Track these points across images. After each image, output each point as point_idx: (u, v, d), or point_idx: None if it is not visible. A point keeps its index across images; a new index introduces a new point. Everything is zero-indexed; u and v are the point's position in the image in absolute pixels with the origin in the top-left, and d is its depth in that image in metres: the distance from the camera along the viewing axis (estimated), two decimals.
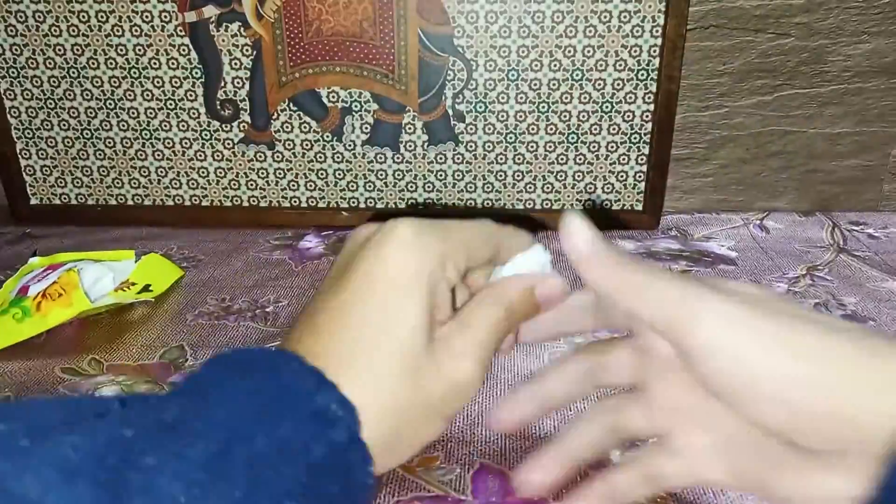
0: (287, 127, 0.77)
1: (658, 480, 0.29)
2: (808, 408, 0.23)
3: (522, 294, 0.29)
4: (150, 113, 0.77)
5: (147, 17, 0.73)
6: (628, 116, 0.75)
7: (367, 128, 0.76)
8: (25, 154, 0.79)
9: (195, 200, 0.80)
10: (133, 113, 0.77)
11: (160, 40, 0.74)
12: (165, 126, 0.77)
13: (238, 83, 0.75)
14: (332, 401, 0.24)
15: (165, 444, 0.21)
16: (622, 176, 0.77)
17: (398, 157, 0.78)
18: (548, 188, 0.78)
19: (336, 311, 0.26)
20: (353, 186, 0.79)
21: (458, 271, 0.28)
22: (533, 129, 0.76)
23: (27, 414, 0.21)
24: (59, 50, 0.74)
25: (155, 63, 0.75)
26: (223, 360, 0.25)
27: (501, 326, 0.28)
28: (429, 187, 0.78)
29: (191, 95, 0.76)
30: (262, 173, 0.79)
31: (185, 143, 0.78)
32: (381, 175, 0.78)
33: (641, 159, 0.77)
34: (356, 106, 0.76)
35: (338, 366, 0.25)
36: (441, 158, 0.77)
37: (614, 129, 0.75)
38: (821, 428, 0.23)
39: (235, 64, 0.74)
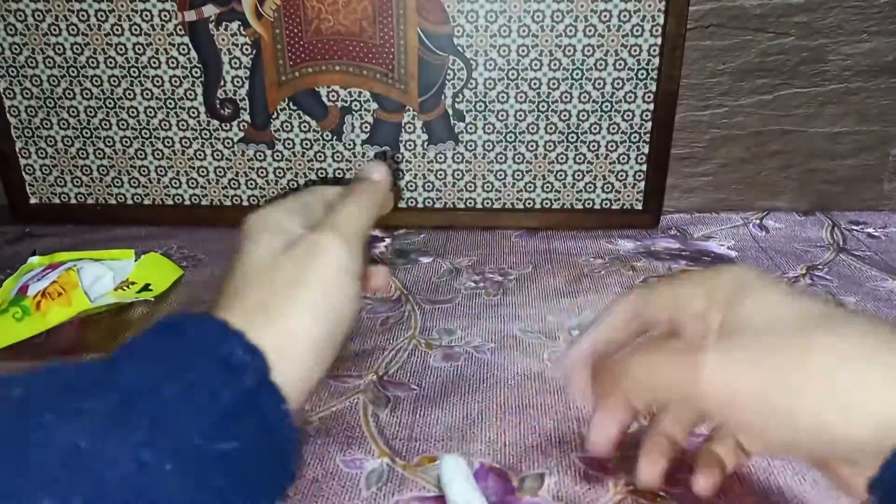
0: (287, 126, 0.77)
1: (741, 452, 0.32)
2: (806, 442, 0.24)
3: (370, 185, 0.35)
4: (150, 112, 0.77)
5: (147, 16, 0.73)
6: (628, 116, 0.75)
7: (366, 127, 0.76)
8: (25, 153, 0.79)
9: (195, 200, 0.80)
10: (133, 112, 0.77)
11: (160, 39, 0.74)
12: (165, 125, 0.77)
13: (238, 82, 0.75)
14: (237, 347, 0.25)
15: (65, 401, 0.22)
16: (622, 175, 0.77)
17: (398, 157, 0.78)
18: (547, 187, 0.78)
19: (242, 272, 0.30)
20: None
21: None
22: (533, 128, 0.76)
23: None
24: (59, 49, 0.74)
25: (154, 62, 0.74)
26: (142, 331, 0.26)
27: (367, 203, 0.33)
28: (429, 187, 0.78)
29: (190, 94, 0.76)
30: (262, 172, 0.79)
31: (185, 143, 0.78)
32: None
33: (641, 159, 0.77)
34: (356, 105, 0.76)
35: (247, 316, 0.27)
36: (441, 158, 0.77)
37: (614, 128, 0.75)
38: (827, 447, 0.24)
39: (235, 63, 0.74)
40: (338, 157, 0.78)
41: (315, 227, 0.31)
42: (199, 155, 0.78)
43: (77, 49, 0.74)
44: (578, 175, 0.78)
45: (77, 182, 0.80)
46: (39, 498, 0.19)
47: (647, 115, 0.75)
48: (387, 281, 0.38)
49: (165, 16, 0.73)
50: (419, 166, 0.78)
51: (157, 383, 0.23)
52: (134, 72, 0.75)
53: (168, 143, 0.78)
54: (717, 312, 0.28)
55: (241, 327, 0.26)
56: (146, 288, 0.63)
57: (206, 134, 0.77)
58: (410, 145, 0.77)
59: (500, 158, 0.77)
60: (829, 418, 0.23)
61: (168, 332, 0.26)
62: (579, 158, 0.77)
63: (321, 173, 0.78)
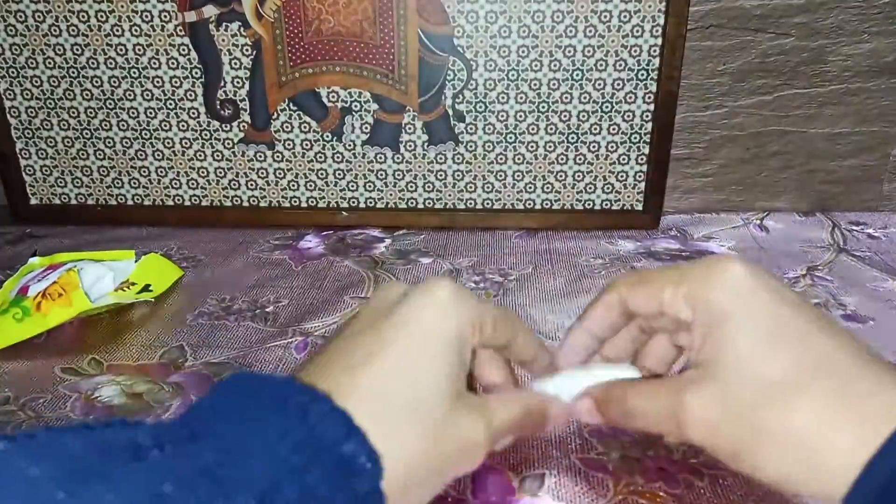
0: (287, 127, 0.77)
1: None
2: (776, 486, 0.25)
3: (539, 407, 0.31)
4: (150, 113, 0.77)
5: (147, 16, 0.73)
6: (628, 116, 0.75)
7: (367, 128, 0.76)
8: (25, 154, 0.79)
9: (195, 200, 0.80)
10: (133, 113, 0.77)
11: (160, 40, 0.74)
12: (165, 126, 0.77)
13: (238, 83, 0.75)
14: (360, 451, 0.23)
15: (205, 500, 0.20)
16: (622, 176, 0.77)
17: (398, 157, 0.78)
18: (548, 188, 0.78)
19: (369, 354, 0.26)
20: (353, 186, 0.79)
21: (482, 339, 0.29)
22: (533, 129, 0.76)
23: (59, 453, 0.20)
24: (59, 50, 0.74)
25: (155, 63, 0.75)
26: (246, 388, 0.24)
27: (515, 425, 0.29)
28: (429, 187, 0.78)
29: (191, 95, 0.76)
30: (262, 173, 0.79)
31: (185, 143, 0.78)
32: (381, 175, 0.78)
33: (641, 159, 0.77)
34: (356, 106, 0.76)
35: (366, 410, 0.24)
36: (441, 158, 0.77)
37: (614, 128, 0.75)
38: (801, 479, 0.25)
39: (235, 64, 0.74)
40: (338, 157, 0.78)
41: (475, 410, 0.28)
42: (200, 155, 0.78)
43: (77, 50, 0.74)
44: (579, 176, 0.78)
45: (77, 183, 0.80)
46: None
47: (647, 116, 0.75)
48: (563, 417, 0.32)
49: (166, 16, 0.73)
50: (419, 167, 0.78)
51: (282, 482, 0.22)
52: (134, 72, 0.75)
53: (168, 143, 0.78)
54: (699, 329, 0.27)
55: (361, 422, 0.24)
56: (146, 288, 0.63)
57: (206, 134, 0.77)
58: (410, 146, 0.77)
59: (501, 159, 0.77)
60: (799, 478, 0.24)
61: (290, 408, 0.24)
62: (579, 159, 0.77)
63: (321, 174, 0.78)
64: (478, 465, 0.28)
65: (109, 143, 0.78)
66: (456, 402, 0.27)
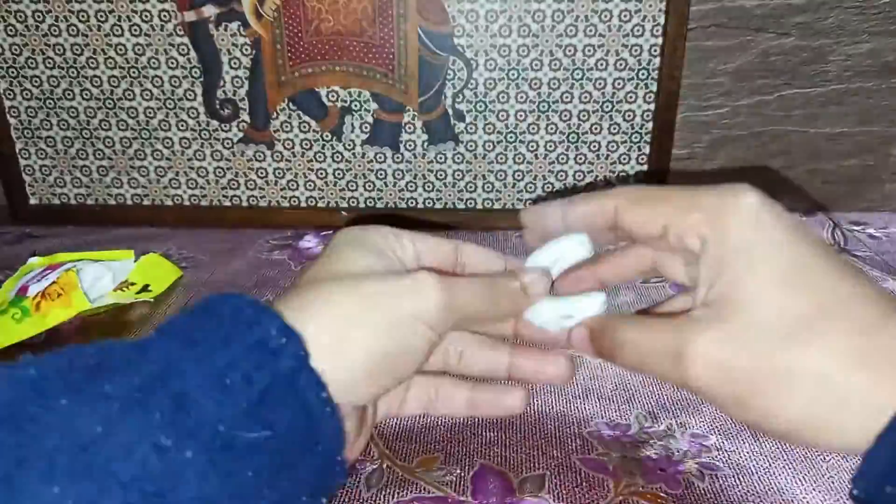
0: (286, 126, 0.77)
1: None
2: (786, 437, 0.24)
3: (507, 279, 0.30)
4: (150, 112, 0.76)
5: (146, 16, 0.73)
6: (629, 116, 0.75)
7: (366, 127, 0.76)
8: (24, 154, 0.79)
9: (194, 200, 0.80)
10: (132, 112, 0.77)
11: (159, 40, 0.73)
12: (164, 126, 0.77)
13: (237, 83, 0.75)
14: (273, 328, 0.23)
15: (84, 384, 0.21)
16: (623, 176, 0.77)
17: (398, 157, 0.77)
18: (548, 188, 0.78)
19: (308, 273, 0.27)
20: (352, 186, 0.79)
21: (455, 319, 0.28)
22: (533, 128, 0.76)
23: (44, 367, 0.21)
24: (59, 49, 0.74)
25: (154, 62, 0.74)
26: (180, 310, 0.25)
27: (475, 295, 0.28)
28: (429, 187, 0.78)
29: (190, 95, 0.76)
30: (262, 173, 0.79)
31: (185, 143, 0.78)
32: (381, 175, 0.78)
33: (642, 159, 0.76)
34: (356, 105, 0.75)
35: (297, 309, 0.25)
36: (441, 158, 0.77)
37: (615, 128, 0.75)
38: (813, 445, 0.24)
39: (235, 63, 0.74)
40: (337, 157, 0.78)
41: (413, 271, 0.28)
42: (199, 155, 0.78)
43: (77, 49, 0.74)
44: (579, 175, 0.78)
45: (77, 182, 0.80)
46: (49, 486, 0.18)
47: (647, 116, 0.75)
48: (520, 404, 0.32)
49: (165, 16, 0.73)
50: (419, 166, 0.78)
51: (183, 365, 0.21)
52: (134, 72, 0.75)
53: (168, 143, 0.78)
54: (710, 262, 0.25)
55: (286, 312, 0.24)
56: (145, 289, 0.63)
57: (205, 134, 0.77)
58: (410, 145, 0.77)
59: (501, 159, 0.77)
60: (818, 424, 0.23)
61: (203, 311, 0.24)
62: (580, 159, 0.77)
63: (321, 174, 0.78)
64: (430, 345, 0.27)
65: (109, 142, 0.78)
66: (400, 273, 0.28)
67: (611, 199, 0.28)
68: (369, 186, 0.79)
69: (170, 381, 0.21)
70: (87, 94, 0.76)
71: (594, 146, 0.76)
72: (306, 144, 0.77)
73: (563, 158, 0.77)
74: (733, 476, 0.41)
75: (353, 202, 0.79)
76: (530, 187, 0.78)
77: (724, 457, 0.43)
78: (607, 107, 0.75)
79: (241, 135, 0.77)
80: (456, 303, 0.27)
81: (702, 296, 0.25)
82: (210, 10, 0.72)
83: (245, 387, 0.22)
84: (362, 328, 0.25)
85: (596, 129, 0.76)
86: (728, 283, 0.24)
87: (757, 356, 0.23)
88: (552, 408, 0.48)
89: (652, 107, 0.74)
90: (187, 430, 0.20)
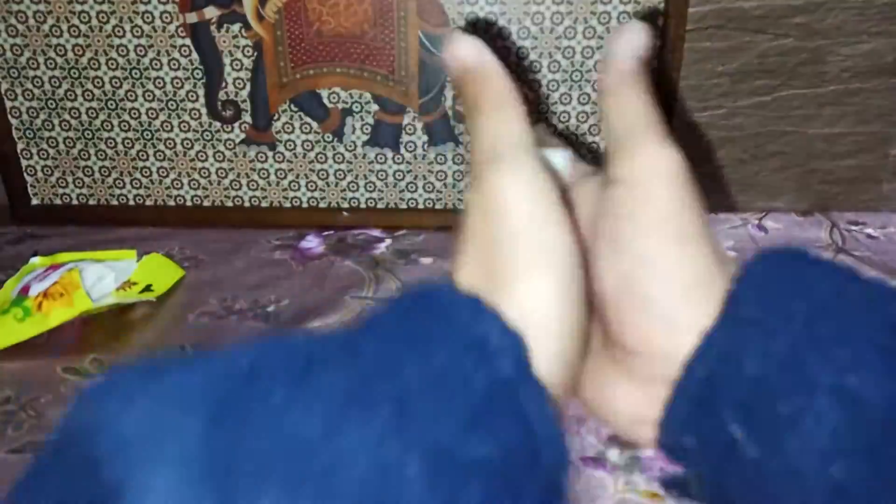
0: (288, 128, 0.77)
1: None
2: (645, 290, 0.23)
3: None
4: (152, 113, 0.77)
5: (148, 17, 0.73)
6: None
7: (367, 128, 0.77)
8: (27, 154, 0.79)
9: (196, 201, 0.80)
10: (134, 113, 0.77)
11: (161, 41, 0.74)
12: (167, 127, 0.77)
13: (239, 84, 0.75)
14: (493, 330, 0.20)
15: (300, 379, 0.18)
16: None
17: (398, 158, 0.78)
18: None
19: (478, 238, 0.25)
20: (353, 187, 0.79)
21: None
22: None
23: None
24: (60, 50, 0.74)
25: (156, 64, 0.75)
26: (384, 304, 0.22)
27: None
28: (429, 188, 0.79)
29: (192, 96, 0.76)
30: (264, 174, 0.79)
31: (187, 144, 0.78)
32: (382, 175, 0.78)
33: None
34: (357, 107, 0.76)
35: (497, 290, 0.22)
36: (441, 159, 0.78)
37: None
38: (643, 315, 0.23)
39: (236, 65, 0.75)
40: (339, 158, 0.78)
41: (471, 165, 0.25)
42: (201, 156, 0.78)
43: (79, 50, 0.74)
44: None
45: (79, 183, 0.80)
46: (259, 495, 0.16)
47: None
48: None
49: (167, 17, 0.73)
50: (420, 167, 0.78)
51: (401, 363, 0.19)
52: (135, 73, 0.75)
53: (170, 144, 0.78)
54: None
55: (491, 305, 0.21)
56: (148, 288, 0.63)
57: (207, 135, 0.77)
58: (411, 146, 0.77)
59: None
60: (674, 306, 0.22)
61: (412, 305, 0.21)
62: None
63: (322, 174, 0.79)
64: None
65: (111, 143, 0.78)
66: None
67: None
68: (370, 187, 0.79)
69: (389, 380, 0.19)
70: (89, 95, 0.76)
71: (593, 147, 0.76)
72: (308, 145, 0.77)
73: None
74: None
75: (354, 202, 0.80)
76: None
77: None
78: None
79: (243, 136, 0.77)
80: (517, 153, 0.26)
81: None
82: (212, 12, 0.73)
83: (466, 392, 0.19)
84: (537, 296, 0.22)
85: (595, 130, 0.76)
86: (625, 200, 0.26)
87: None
88: None
89: None
90: (411, 441, 0.18)
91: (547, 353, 0.21)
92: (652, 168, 0.25)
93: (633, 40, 0.27)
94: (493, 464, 0.18)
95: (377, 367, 0.19)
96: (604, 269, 0.24)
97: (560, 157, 0.29)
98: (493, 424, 0.19)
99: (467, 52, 0.26)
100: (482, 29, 0.72)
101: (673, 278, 0.23)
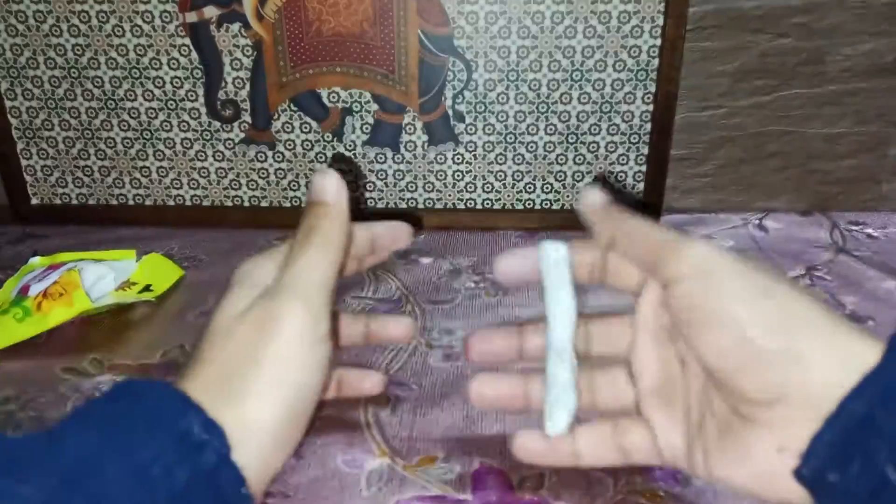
0: (288, 127, 0.77)
1: (623, 450, 0.31)
2: (760, 343, 0.24)
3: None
4: (151, 113, 0.77)
5: (148, 17, 0.73)
6: (627, 117, 0.75)
7: (367, 128, 0.77)
8: (26, 154, 0.79)
9: (196, 200, 0.80)
10: (134, 113, 0.77)
11: (161, 41, 0.74)
12: (166, 126, 0.77)
13: (239, 83, 0.75)
14: (196, 423, 0.23)
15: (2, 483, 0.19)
16: (621, 176, 0.78)
17: (398, 158, 0.78)
18: (547, 188, 0.78)
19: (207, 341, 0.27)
20: (353, 186, 0.79)
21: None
22: (532, 129, 0.76)
23: None
24: (60, 50, 0.74)
25: (156, 63, 0.75)
26: (97, 396, 0.24)
27: (320, 257, 0.29)
28: (429, 187, 0.79)
29: (191, 96, 0.76)
30: (263, 173, 0.79)
31: (186, 144, 0.78)
32: (382, 175, 0.78)
33: (641, 159, 0.77)
34: (356, 106, 0.76)
35: (207, 391, 0.25)
36: (441, 159, 0.78)
37: (613, 129, 0.76)
38: (767, 367, 0.24)
39: (236, 64, 0.75)
40: (339, 157, 0.78)
41: (273, 286, 0.27)
42: (201, 156, 0.78)
43: (78, 50, 0.74)
44: (578, 176, 0.78)
45: (78, 183, 0.80)
46: None
47: (646, 117, 0.75)
48: (409, 332, 0.34)
49: (166, 17, 0.73)
50: (419, 167, 0.78)
51: (103, 460, 0.21)
52: (135, 73, 0.75)
53: (169, 143, 0.78)
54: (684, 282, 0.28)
55: (201, 402, 0.24)
56: (147, 288, 0.63)
57: (207, 135, 0.77)
58: (411, 146, 0.77)
59: (500, 159, 0.77)
60: (791, 329, 0.24)
61: (124, 398, 0.23)
62: (579, 159, 0.77)
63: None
64: (307, 319, 0.27)
65: (110, 143, 0.78)
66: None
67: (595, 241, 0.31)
68: (370, 187, 0.79)
69: (88, 480, 0.20)
70: (88, 95, 0.76)
71: (593, 147, 0.76)
72: (307, 145, 0.77)
73: (562, 159, 0.77)
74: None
75: (354, 202, 0.80)
76: (530, 187, 0.78)
77: None
78: (606, 108, 0.75)
79: (242, 135, 0.77)
80: (314, 284, 0.28)
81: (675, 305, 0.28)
82: (211, 12, 0.73)
83: (166, 482, 0.21)
84: (260, 400, 0.25)
85: (595, 129, 0.76)
86: (702, 293, 0.27)
87: (766, 269, 0.26)
88: None
89: (650, 108, 0.74)
90: None
91: (256, 453, 0.24)
92: (700, 254, 0.27)
93: (591, 197, 0.32)
94: None
95: (79, 466, 0.20)
96: (707, 350, 0.26)
97: (556, 249, 0.32)
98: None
99: (328, 189, 0.30)
100: (348, 170, 0.73)
101: (773, 326, 0.24)
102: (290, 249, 0.29)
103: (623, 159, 0.77)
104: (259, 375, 0.25)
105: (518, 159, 0.77)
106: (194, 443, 0.22)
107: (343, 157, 0.77)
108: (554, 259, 0.32)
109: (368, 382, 0.34)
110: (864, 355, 0.22)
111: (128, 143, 0.78)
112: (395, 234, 0.33)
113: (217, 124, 0.77)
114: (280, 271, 0.28)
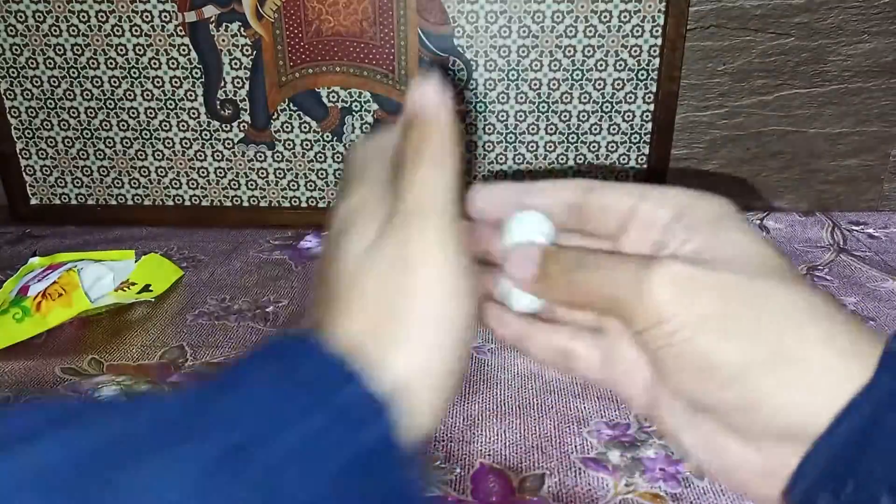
0: (287, 127, 0.77)
1: (566, 353, 0.28)
2: (741, 389, 0.22)
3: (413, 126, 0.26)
4: (150, 113, 0.77)
5: (147, 17, 0.73)
6: (628, 116, 0.75)
7: (367, 127, 0.76)
8: (25, 154, 0.79)
9: (195, 200, 0.80)
10: (133, 113, 0.77)
11: (160, 40, 0.74)
12: (165, 126, 0.77)
13: (238, 83, 0.75)
14: (358, 396, 0.21)
15: (164, 444, 0.18)
16: (622, 176, 0.77)
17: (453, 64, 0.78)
18: None
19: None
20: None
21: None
22: (533, 129, 0.76)
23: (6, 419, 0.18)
24: (59, 50, 0.74)
25: (155, 63, 0.75)
26: (251, 352, 0.22)
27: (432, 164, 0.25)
28: None
29: (191, 95, 0.76)
30: (262, 173, 0.79)
31: (185, 143, 0.78)
32: None
33: (641, 159, 0.77)
34: (356, 106, 0.76)
35: (370, 337, 0.22)
36: None
37: (614, 128, 0.75)
38: (753, 409, 0.22)
39: (235, 64, 0.74)
40: (338, 157, 0.78)
41: (394, 212, 0.25)
42: (200, 156, 0.78)
43: (78, 50, 0.74)
44: (579, 176, 0.78)
45: (77, 183, 0.80)
46: None
47: (647, 116, 0.75)
48: None
49: (166, 17, 0.73)
50: None
51: (266, 431, 0.19)
52: (134, 73, 0.75)
53: (168, 143, 0.78)
54: (683, 233, 0.25)
55: (362, 354, 0.22)
56: (146, 288, 0.63)
57: (206, 135, 0.77)
58: None
59: (501, 159, 0.77)
60: (771, 378, 0.22)
61: (282, 358, 0.22)
62: (579, 159, 0.77)
63: (321, 174, 0.78)
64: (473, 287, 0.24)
65: (110, 143, 0.78)
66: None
67: (577, 189, 0.27)
68: None
69: (256, 450, 0.19)
70: (87, 95, 0.76)
71: (593, 146, 0.76)
72: (307, 145, 0.77)
73: (562, 159, 0.77)
74: None
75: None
76: None
77: None
78: (607, 107, 0.75)
79: (241, 135, 0.77)
80: (443, 204, 0.25)
81: (673, 248, 0.25)
82: (210, 11, 0.72)
83: (329, 460, 0.20)
84: (419, 345, 0.23)
85: (595, 129, 0.76)
86: (705, 239, 0.24)
87: (733, 276, 0.23)
88: (552, 407, 0.48)
89: (651, 107, 0.74)
90: None
91: (423, 404, 0.23)
92: (662, 301, 0.23)
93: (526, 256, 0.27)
94: None
95: (245, 434, 0.19)
96: (682, 389, 0.24)
97: (534, 220, 0.28)
98: (354, 488, 0.20)
99: (430, 99, 0.26)
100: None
101: (756, 366, 0.22)
102: (402, 168, 0.26)
103: (624, 159, 0.77)
104: (415, 313, 0.23)
105: (518, 159, 0.77)
106: (356, 419, 0.21)
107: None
108: (529, 230, 0.29)
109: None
110: (858, 373, 0.22)
111: (127, 142, 0.78)
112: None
113: (216, 124, 0.77)
114: (398, 193, 0.25)
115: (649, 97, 0.74)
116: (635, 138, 0.76)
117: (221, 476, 0.18)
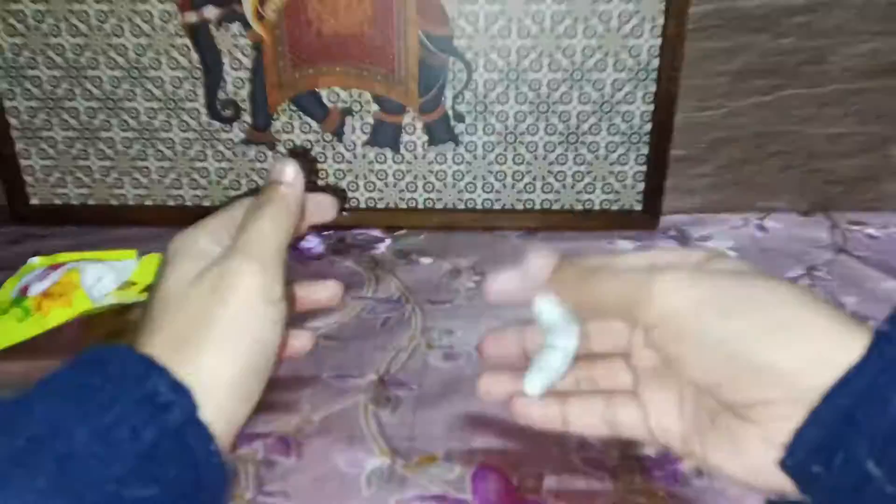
0: (288, 127, 0.77)
1: (612, 424, 0.30)
2: (743, 361, 0.24)
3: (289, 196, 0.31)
4: (151, 113, 0.77)
5: (147, 17, 0.73)
6: (628, 117, 0.75)
7: (367, 128, 0.77)
8: (25, 154, 0.79)
9: (196, 201, 0.80)
10: (133, 113, 0.77)
11: (160, 40, 0.74)
12: (166, 126, 0.77)
13: (239, 84, 0.75)
14: (160, 384, 0.24)
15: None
16: (622, 176, 0.77)
17: (398, 158, 0.78)
18: (547, 188, 0.78)
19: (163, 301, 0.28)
20: (353, 187, 0.79)
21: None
22: (532, 129, 0.76)
23: None
24: (59, 50, 0.74)
25: (155, 63, 0.75)
26: (61, 365, 0.25)
27: (277, 223, 0.30)
28: (429, 187, 0.79)
29: (191, 96, 0.76)
30: (263, 174, 0.79)
31: (186, 144, 0.78)
32: (382, 175, 0.78)
33: (641, 159, 0.77)
34: (356, 106, 0.76)
35: (165, 352, 0.25)
36: (441, 159, 0.77)
37: (614, 129, 0.76)
38: (753, 383, 0.24)
39: (236, 64, 0.74)
40: (338, 158, 0.78)
41: (226, 251, 0.28)
42: (201, 156, 0.78)
43: (77, 50, 0.74)
44: (578, 176, 0.78)
45: (78, 183, 0.80)
46: None
47: (646, 117, 0.75)
48: (335, 296, 0.35)
49: (166, 17, 0.73)
50: (419, 167, 0.78)
51: (69, 423, 0.21)
52: (134, 73, 0.75)
53: (169, 144, 0.78)
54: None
55: (162, 363, 0.24)
56: (148, 289, 0.63)
57: (207, 135, 0.77)
58: (411, 146, 0.77)
59: (500, 159, 0.77)
60: (765, 343, 0.24)
61: (88, 366, 0.24)
62: (579, 159, 0.77)
63: (322, 174, 0.79)
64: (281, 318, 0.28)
65: (110, 143, 0.78)
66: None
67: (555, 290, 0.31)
68: (370, 187, 0.79)
69: (55, 442, 0.21)
70: (87, 95, 0.76)
71: (593, 147, 0.76)
72: (307, 145, 0.77)
73: (562, 159, 0.77)
74: None
75: (353, 202, 0.80)
76: (530, 188, 0.78)
77: None
78: (606, 108, 0.75)
79: (242, 136, 0.77)
80: (268, 250, 0.29)
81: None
82: (211, 12, 0.72)
83: (133, 443, 0.22)
84: (218, 355, 0.26)
85: (595, 129, 0.76)
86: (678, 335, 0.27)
87: (727, 272, 0.26)
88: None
89: (651, 108, 0.74)
90: (74, 494, 0.20)
91: (222, 410, 0.25)
92: (668, 301, 0.26)
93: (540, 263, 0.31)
94: (158, 499, 0.22)
95: (47, 428, 0.21)
96: (692, 375, 0.26)
97: (548, 304, 0.31)
98: (158, 468, 0.22)
99: (286, 175, 0.31)
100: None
101: (755, 342, 0.24)
102: (242, 219, 0.30)
103: (623, 159, 0.77)
104: (216, 332, 0.26)
105: (518, 159, 0.77)
106: (160, 403, 0.23)
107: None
108: (548, 314, 0.32)
109: (325, 293, 0.35)
110: (850, 352, 0.23)
111: (127, 143, 0.78)
112: (322, 207, 0.35)
113: (217, 124, 0.77)
114: (231, 240, 0.29)
115: (649, 97, 0.74)
116: (635, 139, 0.76)
117: (18, 469, 0.20)
